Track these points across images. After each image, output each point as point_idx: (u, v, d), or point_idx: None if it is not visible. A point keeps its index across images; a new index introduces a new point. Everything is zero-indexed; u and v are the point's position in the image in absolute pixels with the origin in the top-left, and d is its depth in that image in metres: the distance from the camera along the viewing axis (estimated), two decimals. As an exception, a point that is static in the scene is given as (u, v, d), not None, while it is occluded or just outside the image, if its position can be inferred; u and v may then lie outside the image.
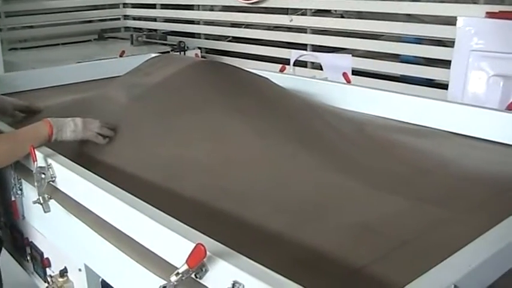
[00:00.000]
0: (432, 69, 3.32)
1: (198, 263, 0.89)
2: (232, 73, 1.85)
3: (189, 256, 0.89)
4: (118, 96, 1.84)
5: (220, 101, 1.66)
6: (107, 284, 1.31)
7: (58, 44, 5.13)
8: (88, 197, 1.29)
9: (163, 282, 0.95)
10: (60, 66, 3.04)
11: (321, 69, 3.79)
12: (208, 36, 4.93)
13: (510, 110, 1.88)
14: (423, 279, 0.85)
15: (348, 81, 2.42)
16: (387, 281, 0.98)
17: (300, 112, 1.75)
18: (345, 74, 2.48)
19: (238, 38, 4.62)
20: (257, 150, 1.52)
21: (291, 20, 4.08)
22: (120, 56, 3.18)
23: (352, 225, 1.21)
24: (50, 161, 1.41)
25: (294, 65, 3.89)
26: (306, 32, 4.05)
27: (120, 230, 1.16)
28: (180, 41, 4.43)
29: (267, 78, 1.90)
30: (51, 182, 1.41)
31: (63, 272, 1.50)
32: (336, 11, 4.28)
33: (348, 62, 3.55)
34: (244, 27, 4.65)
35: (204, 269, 0.91)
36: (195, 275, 0.92)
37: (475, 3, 3.15)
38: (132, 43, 4.77)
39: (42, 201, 1.39)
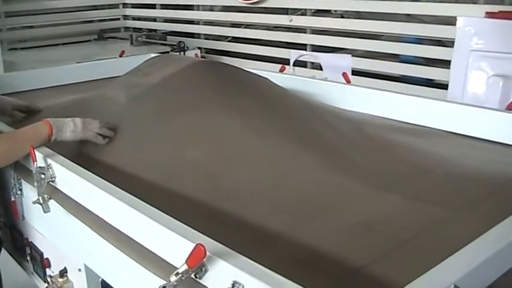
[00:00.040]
0: (432, 69, 3.32)
1: (197, 263, 0.89)
2: (231, 73, 1.85)
3: (188, 256, 0.89)
4: (118, 96, 1.84)
5: (220, 101, 1.66)
6: (107, 284, 1.31)
7: (58, 44, 5.13)
8: (88, 197, 1.29)
9: (163, 282, 0.95)
10: (60, 67, 3.04)
11: (321, 69, 3.79)
12: (208, 36, 4.93)
13: (510, 110, 1.88)
14: (423, 279, 0.85)
15: (348, 81, 2.42)
16: (387, 281, 0.98)
17: (300, 112, 1.75)
18: (344, 74, 2.48)
19: (238, 38, 4.62)
20: (257, 150, 1.52)
21: (291, 20, 4.08)
22: (120, 56, 3.17)
23: (351, 224, 1.21)
24: (49, 161, 1.41)
25: (294, 65, 3.89)
26: (305, 32, 4.05)
27: (119, 230, 1.16)
28: (180, 41, 4.43)
29: (266, 78, 1.90)
30: (50, 182, 1.41)
31: (63, 272, 1.50)
32: (335, 11, 4.28)
33: (347, 62, 3.55)
34: (244, 27, 4.65)
35: (203, 269, 0.91)
36: (195, 275, 0.92)
37: (474, 3, 3.15)
38: (131, 43, 4.78)
39: (41, 202, 1.39)
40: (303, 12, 4.06)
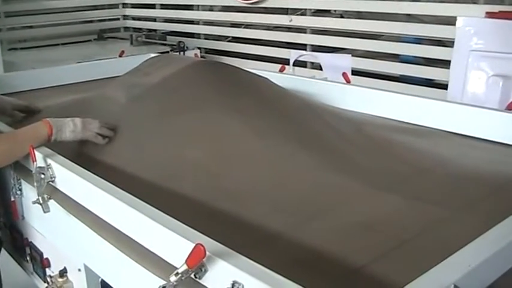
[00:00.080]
0: (432, 69, 3.32)
1: (197, 263, 0.89)
2: (231, 73, 1.85)
3: (188, 256, 0.88)
4: (117, 96, 1.84)
5: (220, 101, 1.66)
6: (107, 284, 1.31)
7: (58, 44, 5.13)
8: (87, 197, 1.29)
9: (162, 282, 0.95)
10: (60, 66, 3.04)
11: (321, 69, 3.79)
12: (207, 36, 4.93)
13: (510, 110, 1.88)
14: (423, 278, 0.85)
15: (348, 81, 2.42)
16: (387, 281, 0.98)
17: (300, 112, 1.75)
18: (344, 74, 2.48)
19: (237, 38, 4.62)
20: (257, 150, 1.52)
21: (291, 20, 4.08)
22: (120, 56, 3.17)
23: (351, 224, 1.21)
24: (49, 161, 1.41)
25: (294, 65, 3.89)
26: (305, 32, 4.05)
27: (119, 230, 1.16)
28: (180, 41, 4.43)
29: (266, 78, 1.90)
30: (50, 182, 1.41)
31: (63, 272, 1.50)
32: (335, 11, 4.28)
33: (347, 62, 3.55)
34: (244, 27, 4.65)
35: (203, 269, 0.91)
36: (195, 275, 0.92)
37: (474, 3, 3.15)
38: (131, 43, 4.77)
39: (41, 202, 1.39)
40: (302, 12, 4.06)
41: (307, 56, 3.97)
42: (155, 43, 4.71)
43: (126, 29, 5.67)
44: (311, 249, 1.11)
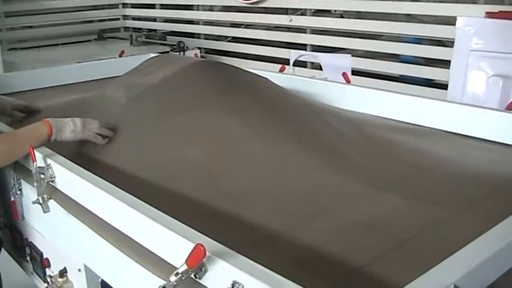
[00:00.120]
0: (432, 69, 3.32)
1: (197, 263, 0.89)
2: (231, 73, 1.85)
3: (188, 256, 0.88)
4: (117, 96, 1.84)
5: (220, 101, 1.66)
6: (107, 284, 1.31)
7: (58, 44, 5.13)
8: (87, 197, 1.28)
9: (162, 282, 0.95)
10: (60, 67, 3.04)
11: (321, 69, 3.79)
12: (207, 36, 4.93)
13: (510, 110, 1.88)
14: (423, 278, 0.85)
15: (348, 81, 2.42)
16: (387, 281, 0.98)
17: (300, 112, 1.75)
18: (344, 74, 2.48)
19: (237, 38, 4.62)
20: (256, 150, 1.52)
21: (291, 20, 4.08)
22: (120, 56, 3.17)
23: (351, 224, 1.21)
24: (49, 161, 1.41)
25: (294, 65, 3.89)
26: (305, 32, 4.05)
27: (119, 230, 1.16)
28: (180, 41, 4.43)
29: (266, 78, 1.90)
30: (50, 182, 1.41)
31: (63, 272, 1.50)
32: (335, 11, 4.28)
33: (347, 62, 3.55)
34: (244, 27, 4.65)
35: (203, 269, 0.91)
36: (195, 275, 0.91)
37: (474, 3, 3.15)
38: (131, 43, 4.77)
39: (41, 202, 1.39)
40: (302, 12, 4.06)
41: (307, 56, 3.97)
42: (155, 43, 4.71)
43: (126, 29, 5.67)
44: (311, 249, 1.11)
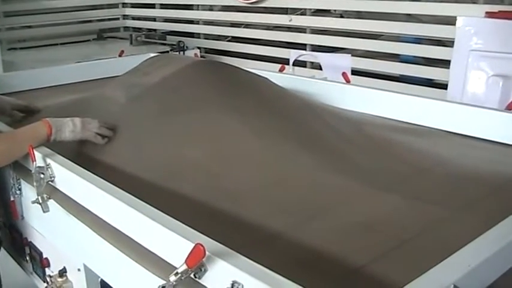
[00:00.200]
0: (432, 69, 3.33)
1: (197, 262, 0.88)
2: (231, 73, 1.85)
3: (188, 256, 0.88)
4: (117, 96, 1.83)
5: (219, 100, 1.66)
6: (106, 284, 1.31)
7: (57, 44, 5.13)
8: (87, 197, 1.28)
9: (162, 282, 0.94)
10: (59, 66, 3.03)
11: (320, 69, 3.79)
12: (207, 36, 4.93)
13: (509, 109, 1.88)
14: (423, 278, 0.85)
15: (347, 81, 2.42)
16: (387, 281, 0.98)
17: (299, 112, 1.75)
18: (344, 74, 2.48)
19: (237, 38, 4.62)
20: (256, 150, 1.51)
21: (290, 20, 4.08)
22: (119, 55, 3.17)
23: (351, 224, 1.21)
24: (48, 161, 1.41)
25: (294, 64, 3.88)
26: (305, 32, 4.05)
27: (119, 230, 1.15)
28: (180, 41, 4.43)
29: (266, 78, 1.90)
30: (50, 182, 1.41)
31: (62, 272, 1.50)
32: (335, 10, 4.28)
33: (347, 61, 3.54)
34: (244, 27, 4.65)
35: (203, 269, 0.91)
36: (194, 275, 0.91)
37: (474, 3, 3.15)
38: (131, 43, 4.77)
39: (41, 201, 1.39)
40: (302, 12, 4.06)
41: (306, 55, 3.97)
42: (155, 43, 4.71)
43: (126, 28, 5.67)
44: (311, 249, 1.11)
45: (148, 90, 1.76)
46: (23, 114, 2.03)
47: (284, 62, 3.49)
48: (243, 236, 1.16)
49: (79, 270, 1.41)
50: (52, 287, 1.51)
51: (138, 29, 5.47)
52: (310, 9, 4.00)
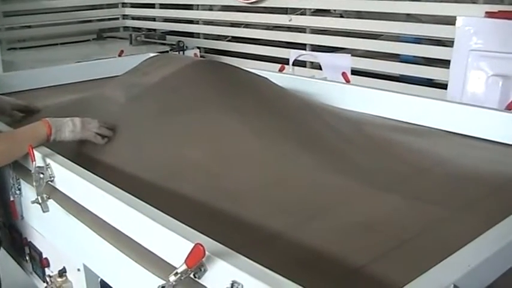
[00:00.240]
0: (431, 69, 3.33)
1: (196, 262, 0.88)
2: (231, 73, 1.85)
3: (187, 256, 0.88)
4: (116, 96, 1.83)
5: (219, 100, 1.66)
6: (106, 284, 1.31)
7: (57, 44, 5.13)
8: (87, 196, 1.28)
9: (162, 282, 0.94)
10: (59, 66, 3.03)
11: (320, 69, 3.79)
12: (207, 36, 4.93)
13: (509, 109, 1.88)
14: (423, 278, 0.85)
15: (347, 81, 2.42)
16: (387, 281, 0.98)
17: (299, 112, 1.75)
18: (344, 74, 2.48)
19: (237, 38, 4.62)
20: (256, 150, 1.51)
21: (290, 20, 4.08)
22: (119, 55, 3.17)
23: (351, 224, 1.21)
24: (48, 160, 1.41)
25: (293, 64, 3.88)
26: (305, 32, 4.05)
27: (119, 230, 1.15)
28: (179, 41, 4.43)
29: (266, 78, 1.90)
30: (49, 182, 1.41)
31: (62, 272, 1.50)
32: (335, 10, 4.28)
33: (347, 61, 3.54)
34: (244, 27, 4.65)
35: (202, 269, 0.91)
36: (194, 275, 0.91)
37: (474, 2, 3.16)
38: (131, 43, 4.77)
39: (40, 201, 1.39)
40: (302, 11, 4.07)
41: (306, 55, 3.97)
42: (154, 43, 4.71)
43: (126, 28, 5.67)
44: (311, 249, 1.10)
45: (148, 90, 1.76)
46: (23, 114, 2.03)
47: (284, 61, 3.49)
48: (243, 236, 1.16)
49: (79, 270, 1.41)
50: (52, 287, 1.51)
51: (137, 29, 5.47)
52: (310, 9, 4.01)
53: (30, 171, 1.41)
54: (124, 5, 5.64)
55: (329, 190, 1.37)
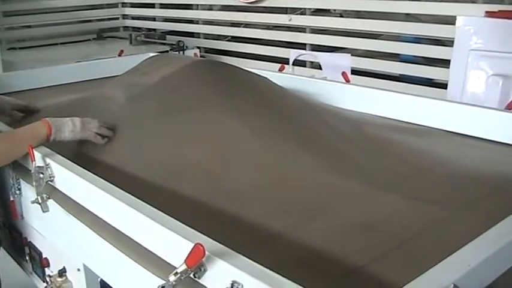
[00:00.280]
0: (431, 69, 3.32)
1: (196, 262, 0.88)
2: (231, 72, 1.85)
3: (187, 256, 0.88)
4: (116, 95, 1.83)
5: (219, 100, 1.66)
6: (106, 283, 1.31)
7: (57, 44, 5.12)
8: (87, 196, 1.28)
9: (162, 282, 0.94)
10: (59, 66, 3.03)
11: (320, 68, 3.78)
12: (207, 36, 4.93)
13: (509, 109, 1.88)
14: (423, 278, 0.85)
15: (347, 81, 2.42)
16: (387, 281, 0.98)
17: (299, 112, 1.75)
18: (344, 74, 2.48)
19: (237, 38, 4.62)
20: (256, 150, 1.51)
21: (290, 20, 4.08)
22: (119, 55, 3.17)
23: (351, 224, 1.21)
24: (48, 160, 1.41)
25: (293, 64, 3.88)
26: (305, 32, 4.05)
27: (118, 230, 1.15)
28: (179, 41, 4.43)
29: (266, 78, 1.90)
30: (49, 182, 1.41)
31: (62, 272, 1.50)
32: (335, 10, 4.28)
33: (347, 61, 3.54)
34: (243, 27, 4.64)
35: (202, 269, 0.91)
36: (194, 275, 0.91)
37: (474, 2, 3.15)
38: (131, 42, 4.77)
39: (40, 201, 1.39)
40: (302, 11, 4.07)
41: (306, 55, 3.96)
42: (154, 42, 4.71)
43: (126, 28, 5.67)
44: (311, 249, 1.10)
45: (148, 90, 1.75)
46: (23, 114, 2.03)
47: (284, 61, 3.49)
48: (243, 236, 1.16)
49: (79, 270, 1.41)
50: (52, 286, 1.51)
51: (137, 29, 5.47)
52: (309, 8, 4.00)
53: (30, 171, 1.41)
54: (124, 4, 5.64)
55: (329, 190, 1.37)
